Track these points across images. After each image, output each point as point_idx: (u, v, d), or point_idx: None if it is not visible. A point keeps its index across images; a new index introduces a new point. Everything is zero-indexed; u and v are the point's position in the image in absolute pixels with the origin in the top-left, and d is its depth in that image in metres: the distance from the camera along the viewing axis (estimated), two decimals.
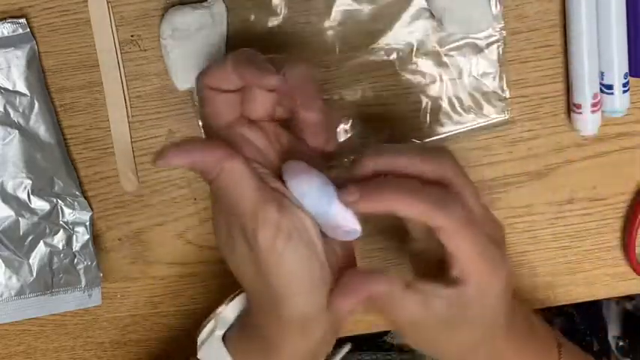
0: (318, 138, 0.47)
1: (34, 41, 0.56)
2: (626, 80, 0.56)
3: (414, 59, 0.57)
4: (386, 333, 0.70)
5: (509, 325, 0.49)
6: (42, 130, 0.56)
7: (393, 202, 0.44)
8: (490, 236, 0.46)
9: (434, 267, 0.47)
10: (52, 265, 0.58)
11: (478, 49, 0.57)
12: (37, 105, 0.56)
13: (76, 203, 0.57)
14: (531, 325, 0.53)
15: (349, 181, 0.45)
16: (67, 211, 0.57)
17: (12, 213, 0.57)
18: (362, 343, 0.66)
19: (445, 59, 0.57)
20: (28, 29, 0.55)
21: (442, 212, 0.44)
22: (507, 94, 0.57)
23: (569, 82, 0.57)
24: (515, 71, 0.57)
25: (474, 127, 0.58)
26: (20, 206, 0.57)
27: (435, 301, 0.45)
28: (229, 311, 0.51)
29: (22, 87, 0.55)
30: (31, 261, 0.57)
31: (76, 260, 0.58)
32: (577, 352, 0.57)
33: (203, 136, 0.57)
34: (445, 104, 0.57)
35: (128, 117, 0.57)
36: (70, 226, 0.58)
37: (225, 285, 0.60)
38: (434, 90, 0.57)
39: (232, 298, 0.51)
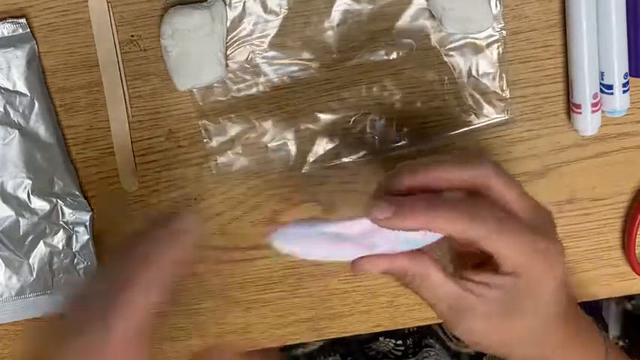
0: None
1: (34, 41, 0.56)
2: (626, 80, 0.56)
3: (414, 59, 0.57)
4: (377, 338, 0.70)
5: (562, 317, 0.48)
6: (42, 130, 0.56)
7: (425, 220, 0.44)
8: (537, 228, 0.45)
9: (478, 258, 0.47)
10: (52, 265, 0.58)
11: (478, 49, 0.57)
12: (37, 105, 0.56)
13: (76, 203, 0.57)
14: (578, 316, 0.51)
15: (379, 198, 0.45)
16: (67, 211, 0.57)
17: (12, 213, 0.57)
18: (349, 353, 0.65)
19: (445, 59, 0.57)
20: (28, 29, 0.55)
21: (476, 223, 0.43)
22: (507, 94, 0.57)
23: (569, 82, 0.57)
24: (515, 71, 0.57)
25: (474, 127, 0.58)
26: (20, 206, 0.57)
27: (484, 289, 0.45)
28: None
29: (22, 87, 0.55)
30: (31, 261, 0.57)
31: (76, 260, 0.58)
32: (619, 352, 0.55)
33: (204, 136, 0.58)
34: (445, 104, 0.57)
35: (128, 117, 0.57)
36: (70, 226, 0.58)
37: (226, 285, 0.60)
38: (434, 90, 0.57)
39: None
